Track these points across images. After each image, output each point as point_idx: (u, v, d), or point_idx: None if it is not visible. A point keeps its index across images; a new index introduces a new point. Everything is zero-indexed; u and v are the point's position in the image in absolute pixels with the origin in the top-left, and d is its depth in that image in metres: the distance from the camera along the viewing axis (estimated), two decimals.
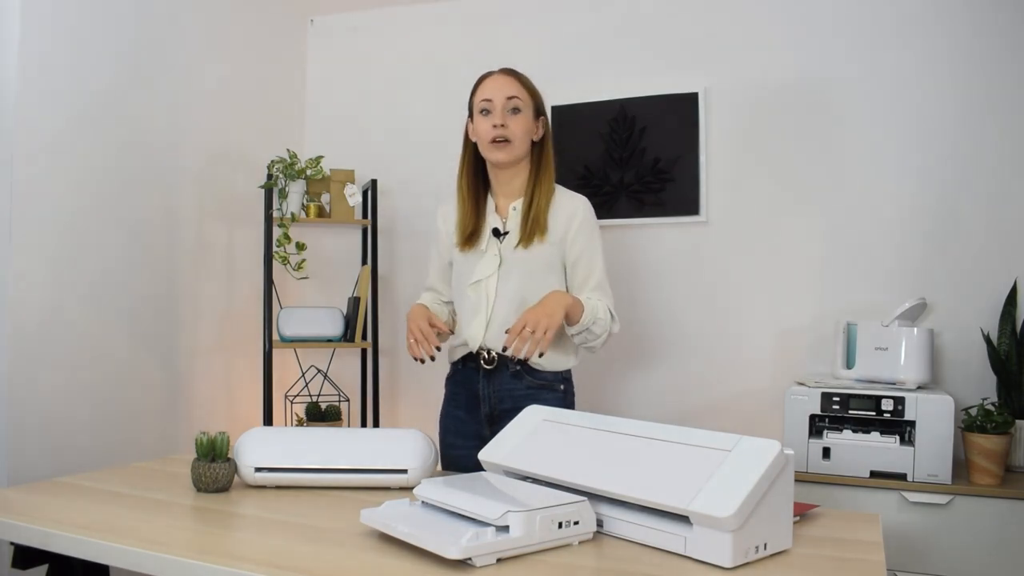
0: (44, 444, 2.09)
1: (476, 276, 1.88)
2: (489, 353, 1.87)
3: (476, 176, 1.94)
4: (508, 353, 1.72)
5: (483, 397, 1.89)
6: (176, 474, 1.64)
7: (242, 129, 2.86)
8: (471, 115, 1.91)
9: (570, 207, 1.89)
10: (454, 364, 1.98)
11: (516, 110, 1.85)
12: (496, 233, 1.89)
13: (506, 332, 1.73)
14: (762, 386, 2.56)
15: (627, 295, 2.74)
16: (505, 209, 1.92)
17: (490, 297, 1.86)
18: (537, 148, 1.91)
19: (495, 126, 1.83)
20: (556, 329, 1.72)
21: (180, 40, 2.58)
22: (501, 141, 1.84)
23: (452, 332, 1.96)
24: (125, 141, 2.37)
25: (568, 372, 1.94)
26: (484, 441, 1.83)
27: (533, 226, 1.84)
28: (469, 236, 1.89)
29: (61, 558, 1.32)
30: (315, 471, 1.53)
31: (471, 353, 1.90)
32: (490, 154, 1.86)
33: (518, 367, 1.86)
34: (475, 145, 1.91)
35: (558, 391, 1.90)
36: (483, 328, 1.86)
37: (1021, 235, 2.33)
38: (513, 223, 1.89)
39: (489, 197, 1.94)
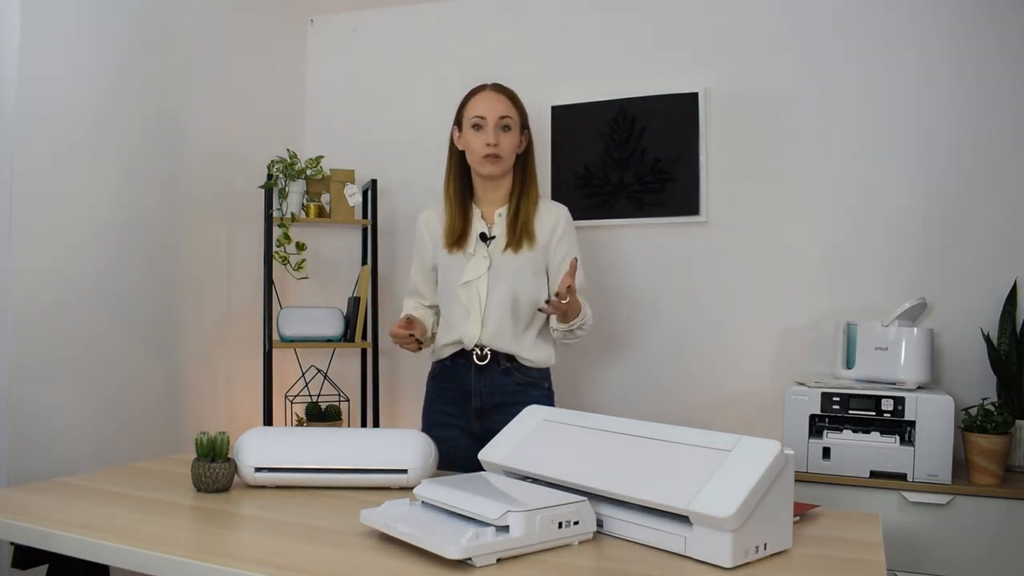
0: (44, 444, 2.09)
1: (466, 277, 1.95)
2: (482, 350, 1.94)
3: (462, 182, 2.04)
4: (553, 301, 1.76)
5: (475, 392, 1.96)
6: (176, 474, 1.64)
7: (242, 129, 2.86)
8: (459, 126, 2.01)
9: (553, 215, 2.01)
10: (440, 362, 2.03)
11: (507, 127, 1.96)
12: (483, 237, 1.97)
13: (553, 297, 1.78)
14: (762, 386, 2.56)
15: (626, 295, 2.74)
16: (491, 215, 2.01)
17: (482, 297, 1.94)
18: (521, 160, 2.02)
19: (488, 144, 1.93)
20: (568, 311, 1.83)
21: (180, 40, 2.58)
22: (493, 156, 1.93)
23: (427, 334, 2.03)
24: (125, 141, 2.36)
25: (548, 371, 2.04)
26: (471, 434, 1.93)
27: (522, 232, 1.95)
28: (457, 239, 1.98)
29: (61, 558, 1.32)
30: (315, 471, 1.53)
31: (462, 350, 1.96)
32: (481, 168, 1.97)
33: (508, 364, 1.95)
34: (461, 153, 2.02)
35: (543, 388, 2.01)
36: (478, 327, 1.94)
37: (1021, 235, 2.33)
38: (499, 228, 1.98)
39: (474, 204, 2.03)
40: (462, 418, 1.97)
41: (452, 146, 2.05)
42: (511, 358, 1.95)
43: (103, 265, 2.29)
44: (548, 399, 2.01)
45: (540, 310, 1.85)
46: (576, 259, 1.79)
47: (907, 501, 2.04)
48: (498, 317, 1.93)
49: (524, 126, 2.02)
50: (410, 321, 1.90)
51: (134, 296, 2.40)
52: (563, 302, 1.73)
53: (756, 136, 2.61)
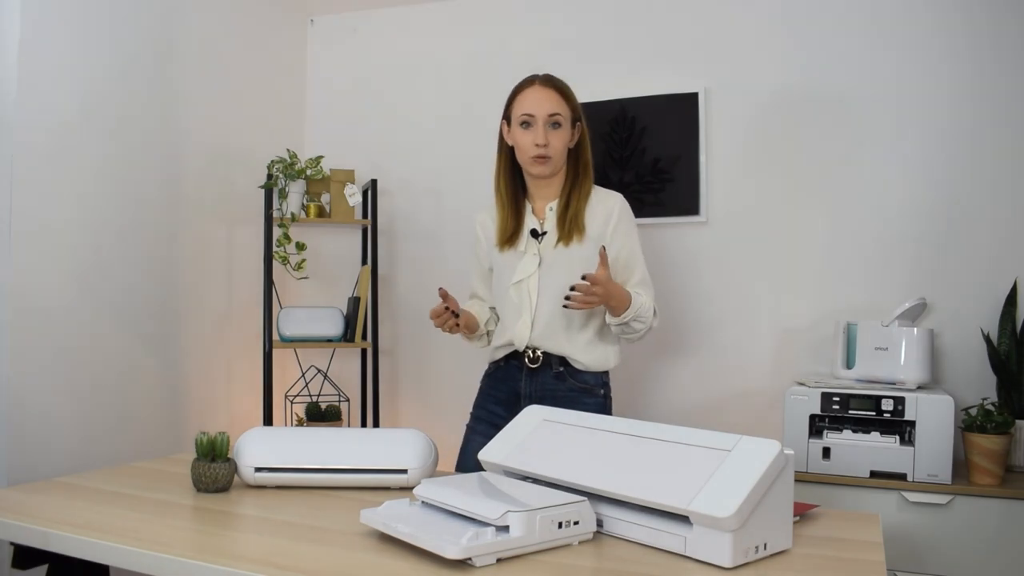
0: (44, 444, 2.09)
1: (517, 276, 1.90)
2: (534, 352, 1.89)
3: (513, 179, 1.96)
4: (568, 297, 1.74)
5: (525, 395, 1.90)
6: (176, 474, 1.64)
7: (242, 129, 2.86)
8: (508, 121, 1.93)
9: (607, 205, 1.92)
10: (495, 362, 1.98)
11: (557, 125, 1.88)
12: (534, 234, 1.92)
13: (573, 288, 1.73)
14: (762, 386, 2.56)
15: None
16: (542, 210, 1.95)
17: (532, 296, 1.88)
18: (574, 153, 1.94)
19: (537, 144, 1.85)
20: (592, 307, 1.78)
21: (180, 40, 2.58)
22: (542, 157, 1.86)
23: (476, 324, 1.98)
24: (125, 141, 2.37)
25: (607, 376, 1.96)
26: None
27: (571, 226, 1.88)
28: (509, 237, 1.92)
29: (61, 558, 1.32)
30: (315, 471, 1.53)
31: (515, 351, 1.92)
32: (531, 168, 1.90)
33: (561, 368, 1.89)
34: (511, 149, 1.94)
35: (598, 395, 1.92)
36: (528, 327, 1.88)
37: (1021, 235, 2.33)
38: (550, 223, 1.92)
39: (526, 200, 1.97)
40: (510, 420, 1.93)
41: (501, 141, 1.96)
42: (564, 361, 1.88)
43: (103, 265, 2.29)
44: (603, 406, 1.91)
45: (565, 306, 1.76)
46: (604, 248, 1.75)
47: (907, 501, 2.04)
48: (549, 316, 1.86)
49: (576, 119, 1.93)
50: (446, 296, 1.81)
51: (134, 296, 2.40)
52: (591, 288, 1.68)
53: (756, 136, 2.61)
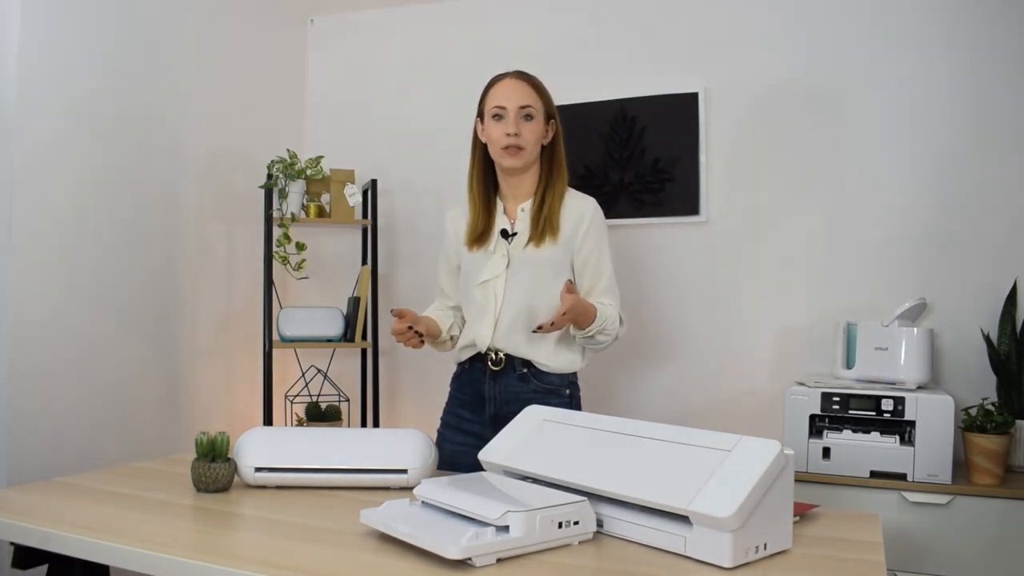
0: (44, 444, 2.09)
1: (484, 276, 1.88)
2: (497, 354, 1.87)
3: (486, 177, 1.94)
4: (544, 326, 1.73)
5: (488, 398, 1.89)
6: (176, 474, 1.64)
7: (242, 129, 2.86)
8: (481, 117, 1.92)
9: (579, 209, 1.90)
10: (461, 364, 1.97)
11: (529, 117, 1.86)
12: (504, 234, 1.90)
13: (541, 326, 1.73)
14: (762, 386, 2.56)
15: (626, 295, 2.71)
16: (514, 211, 1.92)
17: (498, 298, 1.86)
18: (547, 151, 1.92)
19: (508, 134, 1.83)
20: (563, 327, 1.77)
21: (180, 40, 2.58)
22: (513, 148, 1.84)
23: (438, 332, 1.94)
24: (125, 141, 2.37)
25: (575, 376, 1.94)
26: (484, 441, 1.82)
27: (545, 226, 1.85)
28: (479, 237, 1.90)
29: (61, 558, 1.32)
30: (315, 471, 1.53)
31: (479, 353, 1.90)
32: (502, 160, 1.87)
33: (524, 370, 1.87)
34: (484, 146, 1.92)
35: (564, 396, 1.90)
36: (491, 329, 1.86)
37: (1021, 235, 2.33)
38: (522, 224, 1.90)
39: (498, 199, 1.94)
40: (477, 423, 1.90)
41: (475, 139, 1.94)
42: (527, 363, 1.86)
43: (103, 265, 2.29)
44: (569, 406, 1.89)
45: (534, 331, 1.77)
46: (571, 282, 1.73)
47: (907, 501, 2.04)
48: (513, 318, 1.84)
49: (550, 116, 1.90)
50: (402, 314, 1.79)
51: (134, 296, 2.40)
52: (554, 322, 1.69)
53: (756, 136, 2.61)
